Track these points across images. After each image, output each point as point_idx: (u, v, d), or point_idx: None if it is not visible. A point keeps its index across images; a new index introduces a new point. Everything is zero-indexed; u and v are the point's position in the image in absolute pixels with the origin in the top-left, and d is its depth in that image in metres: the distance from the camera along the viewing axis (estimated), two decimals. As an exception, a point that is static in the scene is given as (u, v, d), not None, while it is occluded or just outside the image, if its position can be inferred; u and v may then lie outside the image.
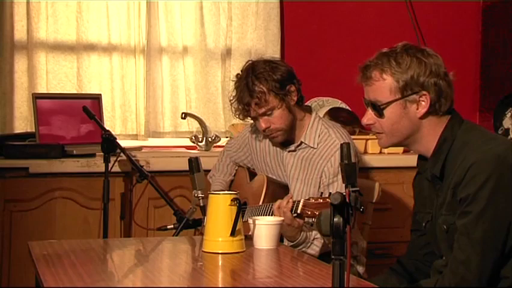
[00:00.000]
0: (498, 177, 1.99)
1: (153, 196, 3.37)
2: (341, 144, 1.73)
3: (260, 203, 2.80)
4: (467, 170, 2.02)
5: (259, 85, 2.77)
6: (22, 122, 3.72)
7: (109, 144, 3.19)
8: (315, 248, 2.71)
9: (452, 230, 2.08)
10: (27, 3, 3.71)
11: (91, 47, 3.83)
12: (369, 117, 2.18)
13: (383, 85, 2.12)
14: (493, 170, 2.00)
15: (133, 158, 3.29)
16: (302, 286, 2.01)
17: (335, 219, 1.52)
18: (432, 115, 2.13)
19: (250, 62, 2.88)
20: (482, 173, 2.00)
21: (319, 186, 2.82)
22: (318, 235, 2.72)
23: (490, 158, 2.01)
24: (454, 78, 2.15)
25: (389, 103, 2.12)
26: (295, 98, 2.82)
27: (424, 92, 2.10)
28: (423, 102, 2.11)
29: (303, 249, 2.68)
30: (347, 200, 1.54)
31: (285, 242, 2.75)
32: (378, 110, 2.14)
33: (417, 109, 2.12)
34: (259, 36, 4.05)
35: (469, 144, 2.08)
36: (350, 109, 3.96)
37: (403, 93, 2.10)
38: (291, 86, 2.81)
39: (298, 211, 2.52)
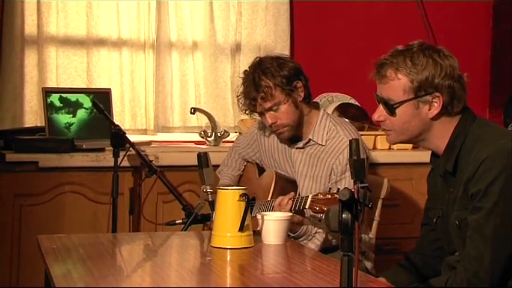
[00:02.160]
0: (510, 172, 1.99)
1: (162, 191, 3.38)
2: (350, 141, 1.73)
3: (269, 198, 2.81)
4: (479, 165, 2.02)
5: (265, 80, 2.78)
6: (32, 116, 3.73)
7: (118, 138, 3.20)
8: (316, 241, 2.73)
9: (464, 225, 2.08)
10: (38, -2, 3.72)
11: (100, 42, 3.83)
12: (380, 113, 2.17)
13: (398, 84, 2.11)
14: (505, 166, 2.00)
15: (142, 153, 3.29)
16: (310, 282, 2.01)
17: (343, 216, 1.52)
18: (444, 116, 2.13)
19: (257, 58, 2.89)
20: (494, 168, 2.00)
21: (328, 183, 2.82)
22: (320, 229, 2.74)
23: (502, 154, 2.01)
24: (468, 80, 2.14)
25: (401, 102, 2.12)
26: (302, 95, 2.82)
27: (437, 94, 2.10)
28: (435, 104, 2.11)
29: (304, 241, 2.69)
30: (356, 196, 1.54)
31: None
32: (390, 108, 2.14)
33: (429, 110, 2.12)
34: (268, 32, 4.05)
35: (482, 139, 2.08)
36: (359, 105, 3.95)
37: (417, 93, 2.10)
38: (298, 82, 2.82)
39: (307, 206, 2.53)
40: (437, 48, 2.15)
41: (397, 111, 2.13)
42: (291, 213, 2.49)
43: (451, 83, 2.10)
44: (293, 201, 2.60)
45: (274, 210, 2.60)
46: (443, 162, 2.15)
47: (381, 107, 2.17)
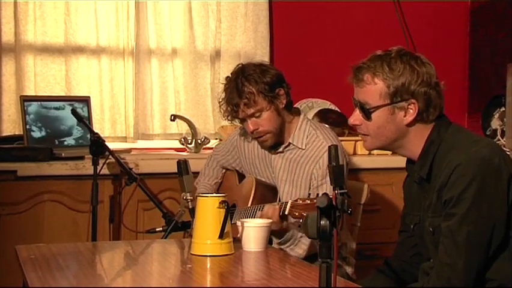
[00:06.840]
0: (482, 179, 2.00)
1: (142, 199, 3.36)
2: (329, 146, 1.73)
3: (249, 205, 2.80)
4: (452, 172, 2.03)
5: (248, 86, 2.79)
6: (10, 124, 3.70)
7: (97, 146, 3.18)
8: (302, 246, 2.70)
9: (438, 232, 2.09)
10: (15, 5, 3.69)
11: (79, 49, 3.81)
12: (356, 117, 2.19)
13: (374, 89, 2.12)
14: (477, 172, 2.00)
15: (122, 161, 3.28)
16: (290, 288, 2.01)
17: (321, 222, 1.52)
18: (419, 123, 2.14)
19: (240, 64, 2.90)
20: (467, 175, 2.00)
21: (308, 188, 2.82)
22: None
23: (475, 160, 2.02)
24: (444, 87, 2.15)
25: (377, 107, 2.13)
26: (284, 102, 2.83)
27: (413, 100, 2.11)
28: (411, 110, 2.12)
29: (291, 246, 2.68)
30: (334, 203, 1.54)
31: (274, 243, 2.75)
32: (366, 112, 2.15)
33: (404, 116, 2.13)
34: (248, 38, 4.05)
35: (455, 147, 2.09)
36: (339, 110, 3.96)
37: (392, 99, 2.11)
38: (280, 90, 2.82)
39: (286, 212, 2.53)
40: (415, 55, 2.16)
41: (373, 115, 2.14)
42: (270, 220, 2.49)
43: (427, 90, 2.11)
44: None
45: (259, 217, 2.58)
46: (417, 169, 2.16)
47: (357, 111, 2.18)
